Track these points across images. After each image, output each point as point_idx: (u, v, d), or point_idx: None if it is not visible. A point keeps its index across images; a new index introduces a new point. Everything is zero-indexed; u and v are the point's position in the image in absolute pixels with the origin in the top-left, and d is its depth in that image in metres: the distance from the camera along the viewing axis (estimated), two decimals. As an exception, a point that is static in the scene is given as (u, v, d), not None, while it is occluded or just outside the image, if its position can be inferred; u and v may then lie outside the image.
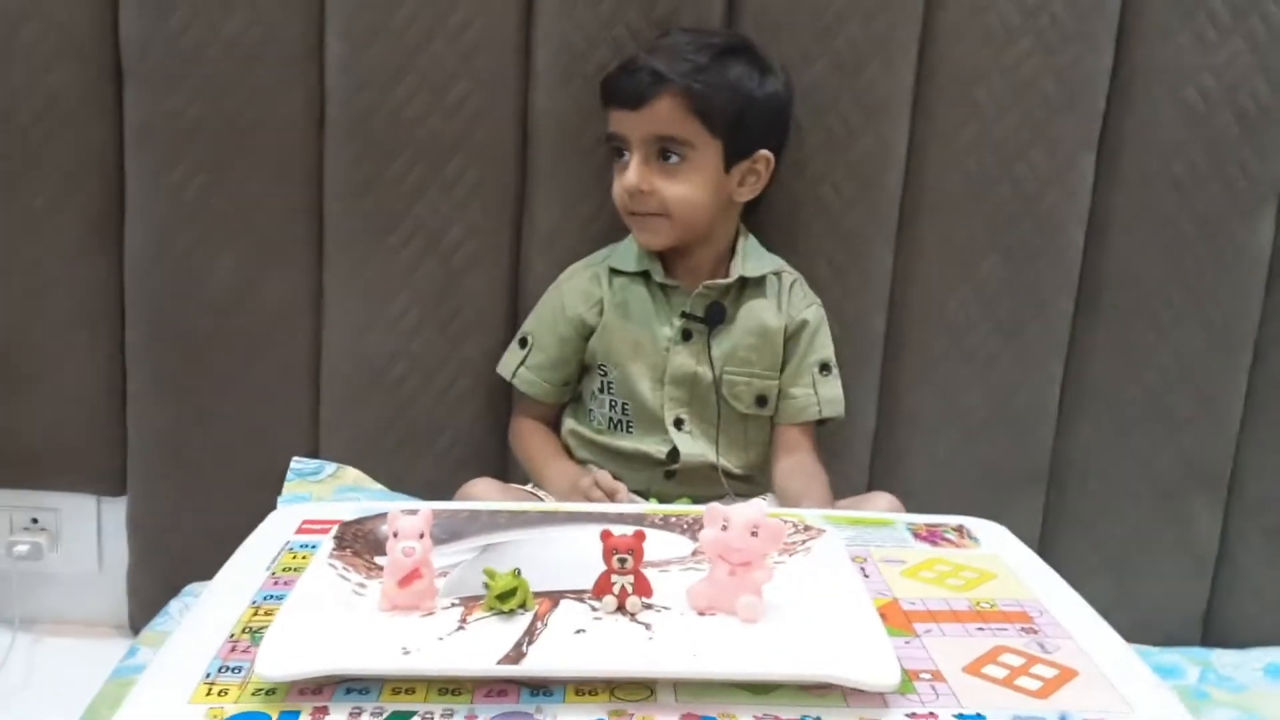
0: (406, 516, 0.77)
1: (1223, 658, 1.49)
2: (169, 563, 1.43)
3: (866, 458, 1.48)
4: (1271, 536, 1.54)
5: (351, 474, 1.40)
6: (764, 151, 1.28)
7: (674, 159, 1.25)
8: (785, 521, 0.91)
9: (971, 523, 1.02)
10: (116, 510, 1.47)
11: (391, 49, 1.33)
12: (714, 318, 1.30)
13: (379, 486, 1.39)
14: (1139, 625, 1.52)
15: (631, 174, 1.25)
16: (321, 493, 1.36)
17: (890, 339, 1.45)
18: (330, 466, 1.40)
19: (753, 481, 1.35)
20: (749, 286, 1.32)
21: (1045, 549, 1.53)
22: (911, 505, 1.40)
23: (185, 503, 1.43)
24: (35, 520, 1.47)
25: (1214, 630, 1.57)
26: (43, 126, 1.33)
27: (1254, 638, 1.53)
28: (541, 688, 0.69)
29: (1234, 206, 1.43)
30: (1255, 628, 1.55)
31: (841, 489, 1.38)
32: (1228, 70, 1.39)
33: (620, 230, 1.37)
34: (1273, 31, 1.38)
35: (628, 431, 1.32)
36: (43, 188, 1.35)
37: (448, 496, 1.27)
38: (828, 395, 1.34)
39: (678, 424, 1.31)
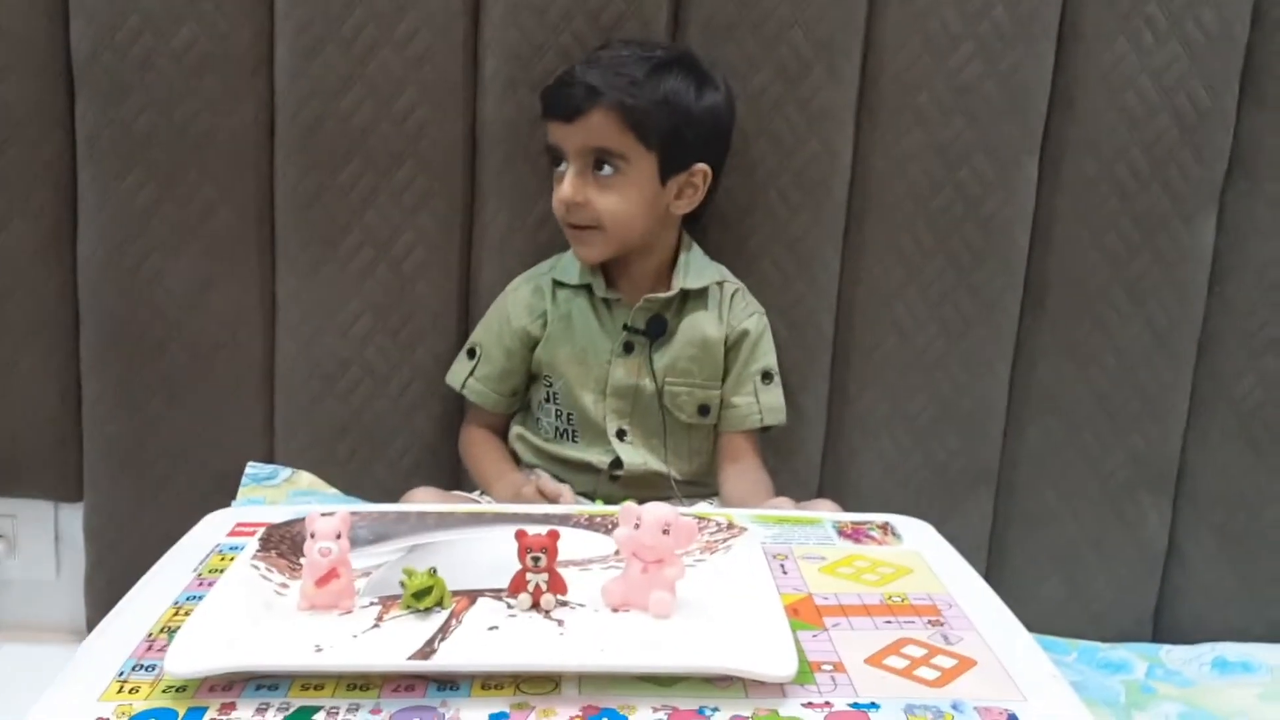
0: (323, 518, 0.79)
1: (1172, 653, 1.50)
2: (126, 568, 1.41)
3: (818, 460, 1.50)
4: (1219, 533, 1.56)
5: (306, 479, 1.41)
6: (701, 165, 1.29)
7: (608, 171, 1.25)
8: (709, 520, 0.92)
9: (897, 520, 1.04)
10: (73, 516, 1.48)
11: (339, 58, 1.34)
12: (655, 331, 1.31)
13: (334, 491, 1.41)
14: (1091, 622, 1.56)
15: (566, 186, 1.26)
16: (276, 497, 1.37)
17: (839, 343, 1.47)
18: (285, 471, 1.41)
19: (699, 485, 1.36)
20: (690, 298, 1.33)
21: (996, 549, 1.55)
22: (862, 507, 1.42)
23: (142, 508, 1.44)
24: (-8, 526, 1.49)
25: (1165, 626, 1.58)
26: (-8, 137, 1.35)
27: (1204, 633, 1.55)
28: (449, 683, 0.71)
29: (1175, 208, 1.45)
30: (1205, 623, 1.57)
31: (793, 491, 1.39)
32: (1166, 74, 1.41)
33: (567, 236, 1.39)
34: (1209, 36, 1.40)
35: (573, 441, 1.34)
36: (-5, 198, 1.36)
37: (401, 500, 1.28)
38: (769, 403, 1.35)
39: (620, 435, 1.33)
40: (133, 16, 1.32)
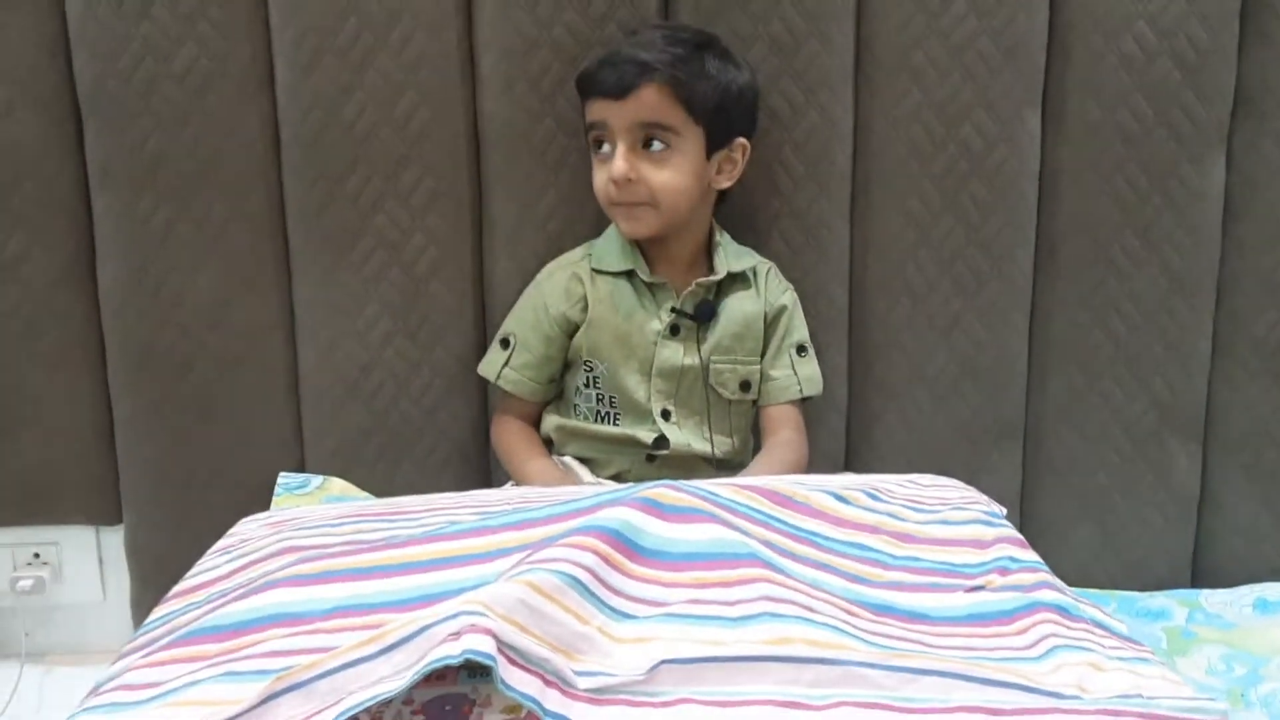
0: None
1: (1211, 597, 1.50)
2: (170, 585, 1.45)
3: (842, 427, 1.51)
4: (1251, 473, 1.55)
5: (338, 485, 1.43)
6: (741, 139, 1.32)
7: (659, 147, 1.27)
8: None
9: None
10: (115, 538, 1.51)
11: (338, 68, 1.36)
12: (704, 314, 1.33)
13: (365, 495, 1.43)
14: (1128, 572, 1.56)
15: (619, 162, 1.27)
16: (309, 505, 1.39)
17: (854, 309, 1.48)
18: (317, 479, 1.43)
19: (733, 466, 1.37)
20: (731, 280, 1.36)
21: (1026, 503, 1.55)
22: (890, 471, 1.43)
23: (181, 525, 1.47)
24: (37, 555, 1.51)
25: (1204, 571, 1.58)
26: (7, 172, 1.37)
27: (1244, 576, 1.55)
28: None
29: (1182, 151, 1.45)
30: (1244, 566, 1.57)
31: (818, 460, 1.41)
32: (1163, 17, 1.40)
33: (578, 226, 1.40)
34: (1203, -25, 1.39)
35: (614, 423, 1.35)
36: (13, 232, 1.38)
37: (431, 499, 1.30)
38: (807, 374, 1.38)
39: (665, 415, 1.34)
40: (133, 44, 1.34)
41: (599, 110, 1.29)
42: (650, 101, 1.26)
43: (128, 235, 1.39)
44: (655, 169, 1.27)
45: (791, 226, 1.43)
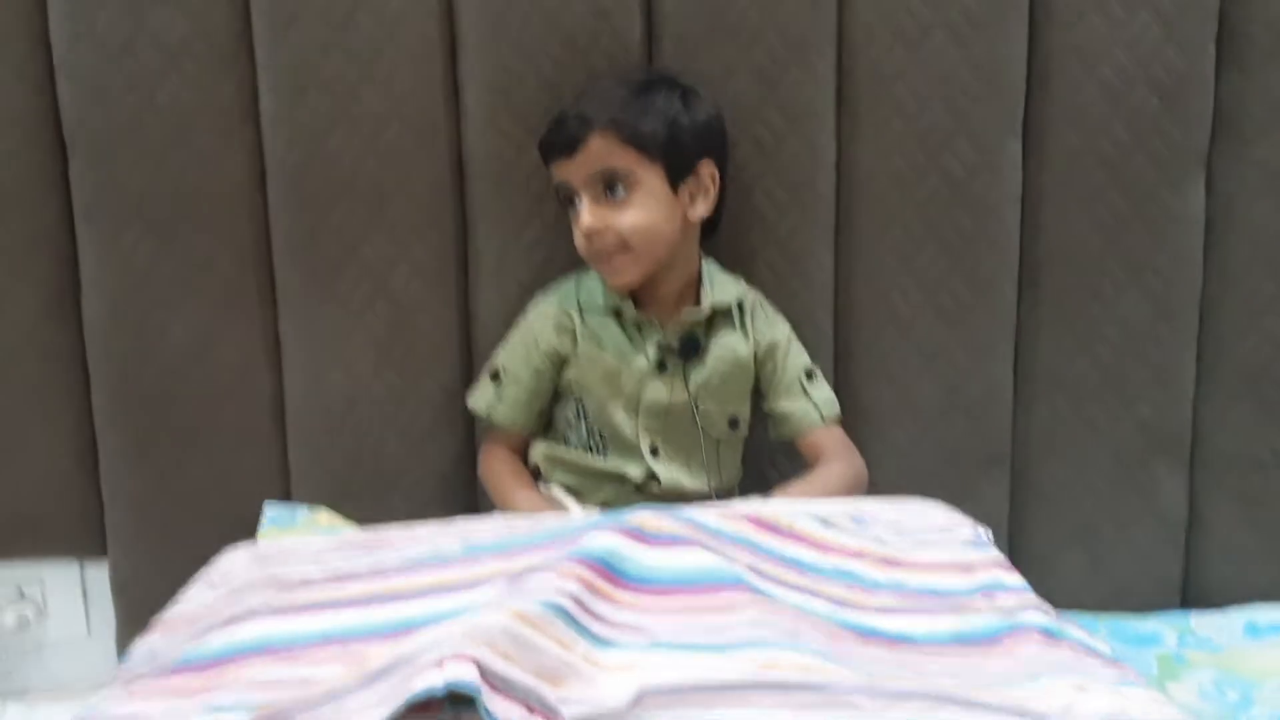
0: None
1: (1201, 620, 1.50)
2: (155, 621, 1.46)
3: (829, 456, 1.50)
4: (1238, 496, 1.55)
5: (324, 516, 1.42)
6: (707, 164, 1.31)
7: (620, 192, 1.28)
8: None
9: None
10: (100, 574, 1.50)
11: (322, 102, 1.36)
12: (688, 350, 1.33)
13: (352, 527, 1.42)
14: (1117, 596, 1.56)
15: (585, 215, 1.28)
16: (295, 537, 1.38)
17: (839, 338, 1.48)
18: (303, 511, 1.42)
19: (727, 499, 1.37)
20: (719, 316, 1.35)
21: (1015, 530, 1.55)
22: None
23: (166, 559, 1.45)
24: (21, 592, 1.50)
25: (1193, 595, 1.58)
26: (-9, 207, 1.37)
27: (1233, 598, 1.54)
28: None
29: (1162, 177, 1.46)
30: (1234, 589, 1.56)
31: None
32: (1140, 45, 1.42)
33: (564, 257, 1.40)
34: (1179, 3, 1.41)
35: (603, 457, 1.35)
36: (-3, 267, 1.39)
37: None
38: (822, 397, 1.38)
39: (653, 451, 1.34)
40: (117, 78, 1.34)
41: (560, 171, 1.30)
42: (598, 151, 1.26)
43: (112, 270, 1.39)
44: (620, 213, 1.28)
45: (776, 255, 1.43)
